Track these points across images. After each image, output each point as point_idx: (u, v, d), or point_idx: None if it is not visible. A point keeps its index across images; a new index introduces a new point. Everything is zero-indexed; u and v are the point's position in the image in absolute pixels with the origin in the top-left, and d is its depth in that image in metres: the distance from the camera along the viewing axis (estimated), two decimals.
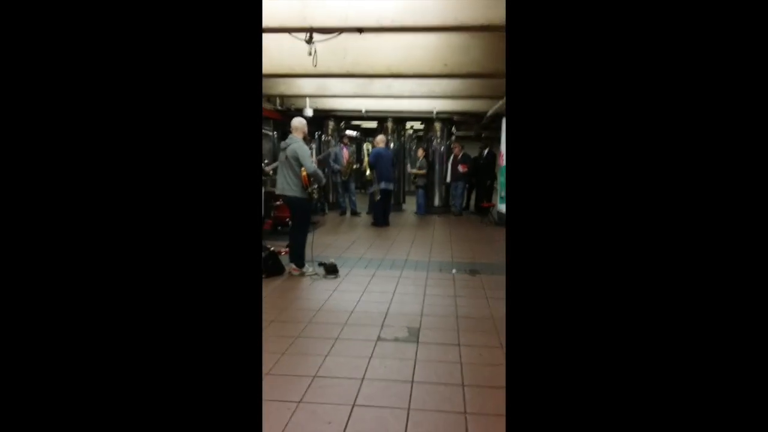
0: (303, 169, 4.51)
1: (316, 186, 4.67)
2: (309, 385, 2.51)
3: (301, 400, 2.36)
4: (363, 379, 2.59)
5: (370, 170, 8.29)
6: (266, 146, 8.46)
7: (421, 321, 3.52)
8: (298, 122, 4.78)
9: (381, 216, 8.10)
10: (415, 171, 9.76)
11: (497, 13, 3.71)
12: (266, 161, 6.31)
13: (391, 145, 10.21)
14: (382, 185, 8.19)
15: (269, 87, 7.50)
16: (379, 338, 3.18)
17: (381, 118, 10.36)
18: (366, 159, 8.51)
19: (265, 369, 2.68)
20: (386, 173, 8.26)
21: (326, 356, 2.89)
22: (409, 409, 2.30)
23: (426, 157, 9.87)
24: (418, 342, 3.12)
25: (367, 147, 8.72)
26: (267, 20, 3.96)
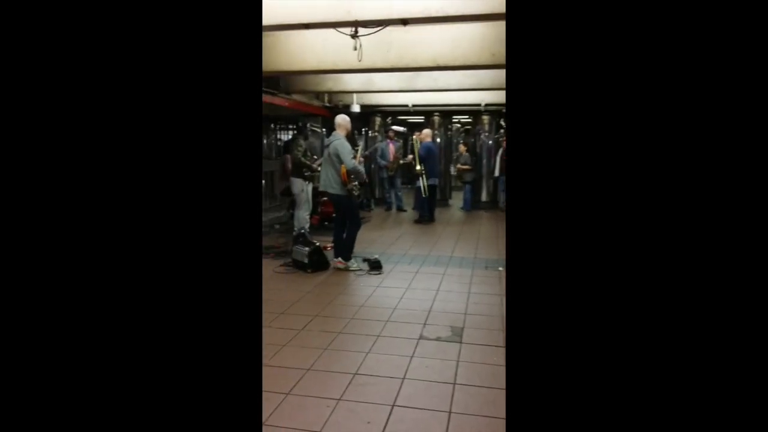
0: (343, 165, 4.52)
1: (356, 183, 4.66)
2: (349, 383, 2.49)
3: (341, 397, 2.35)
4: (404, 378, 2.55)
5: (421, 164, 8.06)
6: (316, 142, 8.58)
7: (464, 320, 3.42)
8: (341, 119, 4.79)
9: (427, 212, 8.01)
10: (459, 166, 9.49)
11: None
12: (315, 157, 6.38)
13: (438, 139, 10.04)
14: (431, 181, 8.05)
15: (317, 84, 7.58)
16: (421, 337, 3.11)
17: (427, 112, 10.21)
18: (415, 153, 8.32)
19: (306, 365, 2.69)
20: (434, 168, 8.14)
21: (367, 353, 2.86)
22: (450, 412, 2.23)
23: (469, 151, 9.62)
24: (461, 342, 3.03)
25: (415, 141, 8.46)
26: (311, 15, 3.97)
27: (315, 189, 6.44)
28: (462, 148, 9.67)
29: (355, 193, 4.71)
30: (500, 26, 4.86)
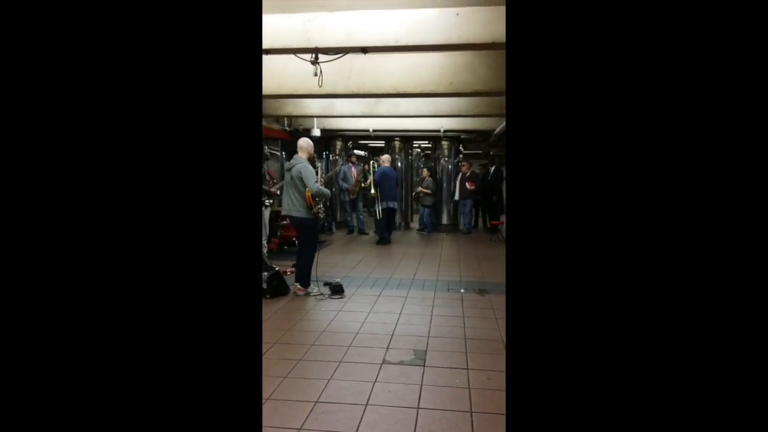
0: (307, 189, 4.50)
1: (321, 205, 4.64)
2: (311, 411, 2.42)
3: (302, 427, 2.27)
4: (366, 404, 2.50)
5: (375, 189, 8.46)
6: (274, 166, 8.50)
7: (427, 343, 3.42)
8: (303, 142, 4.78)
9: (385, 233, 8.27)
10: (422, 189, 9.75)
11: (502, 31, 3.69)
12: (274, 181, 6.31)
13: (399, 164, 10.19)
14: (384, 204, 8.35)
15: (277, 108, 7.56)
16: (384, 361, 3.08)
17: (388, 137, 10.39)
18: (371, 177, 8.63)
19: (266, 394, 2.60)
20: (390, 193, 8.43)
21: (329, 380, 2.80)
22: None
23: (432, 176, 9.86)
24: (424, 365, 3.02)
25: (373, 164, 8.87)
26: (271, 41, 3.99)
27: (275, 213, 6.34)
28: (425, 173, 9.92)
29: (321, 215, 4.69)
30: (457, 56, 5.06)
